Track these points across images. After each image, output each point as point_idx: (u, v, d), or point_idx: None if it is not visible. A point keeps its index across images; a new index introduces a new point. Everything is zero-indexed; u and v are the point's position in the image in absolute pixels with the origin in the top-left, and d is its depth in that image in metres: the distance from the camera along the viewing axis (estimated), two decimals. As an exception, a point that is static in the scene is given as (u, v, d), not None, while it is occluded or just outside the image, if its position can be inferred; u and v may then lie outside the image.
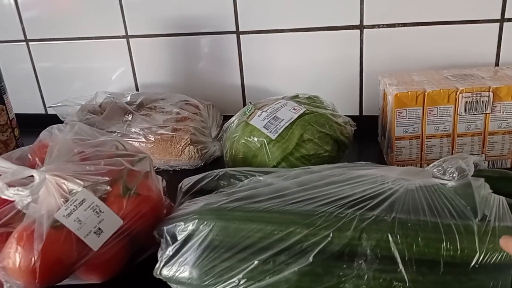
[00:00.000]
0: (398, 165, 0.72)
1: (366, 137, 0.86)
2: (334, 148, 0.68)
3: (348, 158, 0.74)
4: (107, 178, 0.48)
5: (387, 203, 0.47)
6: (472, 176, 0.50)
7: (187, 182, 0.59)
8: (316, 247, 0.45)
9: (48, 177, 0.48)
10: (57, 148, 0.52)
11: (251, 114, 0.68)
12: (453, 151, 0.71)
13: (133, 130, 0.80)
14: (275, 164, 0.65)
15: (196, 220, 0.48)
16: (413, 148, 0.72)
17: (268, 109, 0.68)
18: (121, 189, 0.49)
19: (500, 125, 0.69)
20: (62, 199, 0.46)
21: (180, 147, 0.79)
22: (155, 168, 0.80)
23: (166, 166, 0.81)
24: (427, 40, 0.84)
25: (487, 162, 0.71)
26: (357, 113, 0.93)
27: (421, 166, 0.71)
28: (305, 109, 0.67)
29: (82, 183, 0.48)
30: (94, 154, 0.52)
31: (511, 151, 0.71)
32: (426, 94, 0.68)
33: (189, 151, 0.79)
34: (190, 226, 0.48)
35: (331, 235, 0.45)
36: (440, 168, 0.51)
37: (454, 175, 0.49)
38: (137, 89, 1.02)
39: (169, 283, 0.49)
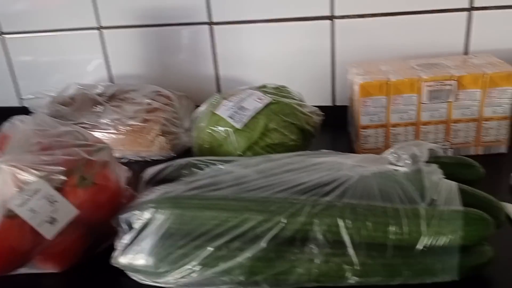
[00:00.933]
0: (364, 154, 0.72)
1: (338, 126, 0.87)
2: (299, 137, 0.68)
3: (319, 147, 0.74)
4: (63, 168, 0.48)
5: (340, 189, 0.48)
6: (429, 162, 0.51)
7: (150, 172, 0.59)
8: (269, 232, 0.46)
9: (4, 167, 0.48)
10: (16, 139, 0.52)
11: (218, 104, 0.69)
12: (418, 140, 0.71)
13: (103, 121, 0.80)
14: (240, 153, 0.65)
15: (153, 209, 0.48)
16: (379, 137, 0.72)
17: (234, 99, 0.68)
18: (77, 179, 0.49)
19: (464, 113, 0.70)
20: (17, 189, 0.47)
21: (151, 138, 0.79)
22: (125, 159, 0.81)
23: (137, 157, 0.81)
24: (397, 30, 0.84)
25: (452, 150, 0.72)
26: (330, 103, 0.93)
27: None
28: (271, 98, 0.68)
29: (37, 173, 0.48)
30: (53, 144, 0.52)
31: (475, 138, 0.72)
32: (390, 83, 0.69)
33: (159, 141, 0.79)
34: (147, 215, 0.48)
35: (284, 220, 0.46)
36: (395, 154, 0.52)
37: (408, 161, 0.50)
38: (111, 81, 1.02)
39: (126, 271, 0.50)
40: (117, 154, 0.80)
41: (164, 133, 0.80)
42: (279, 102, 0.68)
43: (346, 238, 0.44)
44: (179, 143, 0.82)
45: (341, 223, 0.45)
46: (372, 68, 0.75)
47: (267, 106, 0.67)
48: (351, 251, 0.44)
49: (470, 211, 0.44)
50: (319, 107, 0.75)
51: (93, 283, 0.53)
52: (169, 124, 0.81)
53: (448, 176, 0.49)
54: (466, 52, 0.84)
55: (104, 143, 0.55)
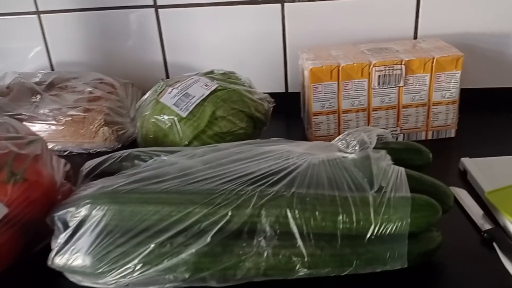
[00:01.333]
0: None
1: (292, 114, 0.86)
2: (249, 125, 0.66)
3: (272, 135, 0.72)
4: (-12, 163, 0.44)
5: (288, 178, 0.46)
6: (377, 148, 0.50)
7: (88, 165, 0.55)
8: (215, 226, 0.44)
9: None
10: None
11: (162, 91, 0.66)
12: (369, 125, 0.71)
13: (41, 111, 0.75)
14: (187, 143, 0.62)
15: (89, 205, 0.45)
16: (331, 123, 0.71)
17: (179, 85, 0.65)
18: (6, 175, 0.45)
19: (414, 98, 0.70)
20: None
21: (94, 129, 0.75)
22: (67, 152, 0.77)
23: (79, 149, 0.77)
24: (347, 14, 0.83)
25: (402, 135, 0.72)
26: (283, 90, 0.92)
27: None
28: (217, 85, 0.65)
29: (-41, 169, 0.44)
30: (-22, 137, 0.48)
31: (425, 123, 0.72)
32: (340, 68, 0.67)
33: (103, 132, 0.75)
34: (83, 212, 0.45)
35: (230, 213, 0.44)
36: (343, 141, 0.51)
37: (356, 147, 0.49)
38: (52, 69, 0.96)
39: (64, 273, 0.46)
40: (58, 147, 0.76)
41: (108, 123, 0.76)
42: (226, 88, 0.65)
43: (294, 229, 0.43)
44: (125, 133, 0.78)
45: (289, 213, 0.43)
46: (323, 53, 0.74)
47: (213, 92, 0.64)
48: (300, 242, 0.43)
49: (417, 197, 0.44)
50: (271, 94, 0.73)
51: (29, 286, 0.50)
52: (113, 113, 0.77)
53: (397, 161, 0.48)
54: (416, 37, 0.84)
55: (36, 135, 0.51)
